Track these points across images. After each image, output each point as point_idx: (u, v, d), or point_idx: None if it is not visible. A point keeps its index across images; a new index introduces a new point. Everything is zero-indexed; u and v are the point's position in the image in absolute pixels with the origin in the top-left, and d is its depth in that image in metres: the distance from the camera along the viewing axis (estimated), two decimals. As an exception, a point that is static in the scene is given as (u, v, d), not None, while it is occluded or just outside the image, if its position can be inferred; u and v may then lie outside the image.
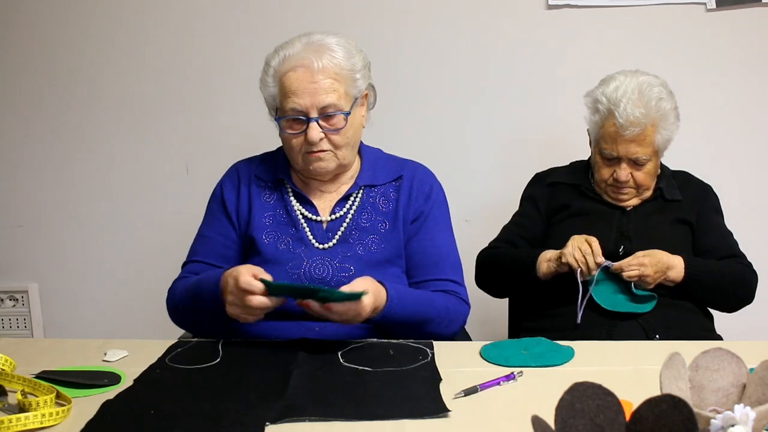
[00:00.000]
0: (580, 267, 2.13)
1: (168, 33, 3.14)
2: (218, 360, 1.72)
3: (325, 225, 2.01)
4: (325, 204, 2.04)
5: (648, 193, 2.34)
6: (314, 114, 1.90)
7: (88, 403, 1.47)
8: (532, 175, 2.55)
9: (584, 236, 2.17)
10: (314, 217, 2.01)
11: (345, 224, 2.00)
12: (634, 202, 2.34)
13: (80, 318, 3.35)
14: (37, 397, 1.45)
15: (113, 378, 1.61)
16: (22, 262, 3.36)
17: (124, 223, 3.28)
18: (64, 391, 1.50)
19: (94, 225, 3.29)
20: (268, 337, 1.86)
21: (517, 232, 2.42)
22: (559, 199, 2.41)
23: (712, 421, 1.01)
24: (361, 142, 2.11)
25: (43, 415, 1.38)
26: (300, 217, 2.01)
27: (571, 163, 2.53)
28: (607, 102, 2.24)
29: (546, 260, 2.23)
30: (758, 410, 1.04)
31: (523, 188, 2.54)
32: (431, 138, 3.11)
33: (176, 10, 3.12)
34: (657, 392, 1.04)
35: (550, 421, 1.03)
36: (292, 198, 2.04)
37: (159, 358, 1.74)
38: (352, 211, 2.02)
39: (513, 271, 2.31)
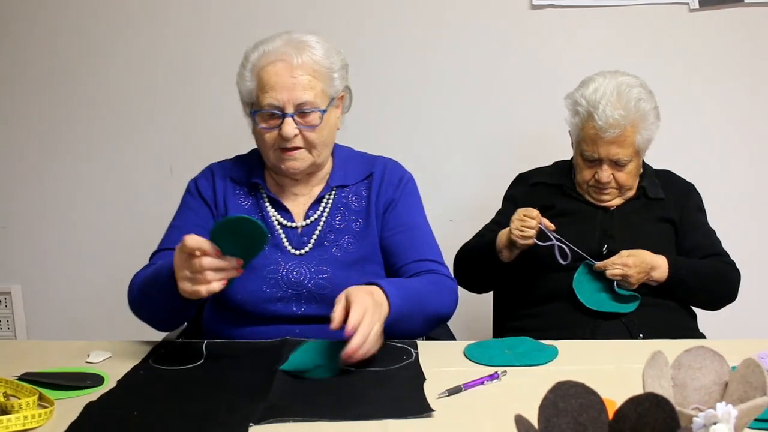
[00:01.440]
0: (532, 237, 2.17)
1: (151, 33, 3.12)
2: (202, 361, 1.72)
3: (300, 230, 2.00)
4: (298, 208, 2.03)
5: (631, 193, 2.35)
6: (290, 109, 1.89)
7: (71, 405, 1.46)
8: (516, 175, 2.55)
9: (519, 214, 2.19)
10: (289, 224, 2.00)
11: (319, 228, 1.99)
12: (617, 201, 2.35)
13: (63, 319, 3.33)
14: (19, 399, 1.44)
15: (96, 379, 1.60)
16: (4, 264, 3.34)
17: (107, 225, 3.27)
18: (47, 392, 1.49)
19: (77, 226, 3.28)
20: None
21: (496, 230, 2.41)
22: (541, 199, 2.40)
23: (695, 419, 1.02)
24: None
25: (26, 417, 1.37)
26: (276, 223, 2.00)
27: (554, 163, 2.53)
28: (586, 104, 2.24)
29: (504, 233, 2.24)
30: (740, 408, 1.04)
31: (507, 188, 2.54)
32: (415, 138, 3.11)
33: (159, 11, 3.11)
34: (640, 391, 1.04)
35: (534, 420, 1.03)
36: (267, 204, 2.02)
37: (142, 359, 1.73)
38: (325, 214, 2.01)
39: (479, 255, 2.33)
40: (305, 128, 1.91)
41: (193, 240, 1.57)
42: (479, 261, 2.34)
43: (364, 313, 1.60)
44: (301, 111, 1.89)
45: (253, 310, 1.91)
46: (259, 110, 1.92)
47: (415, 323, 1.82)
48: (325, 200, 2.03)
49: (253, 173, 2.05)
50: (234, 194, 2.04)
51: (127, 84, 3.16)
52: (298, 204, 2.03)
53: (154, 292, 1.78)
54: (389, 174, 2.06)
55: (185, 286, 1.62)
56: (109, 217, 3.26)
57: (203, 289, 1.60)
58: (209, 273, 1.59)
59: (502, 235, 2.25)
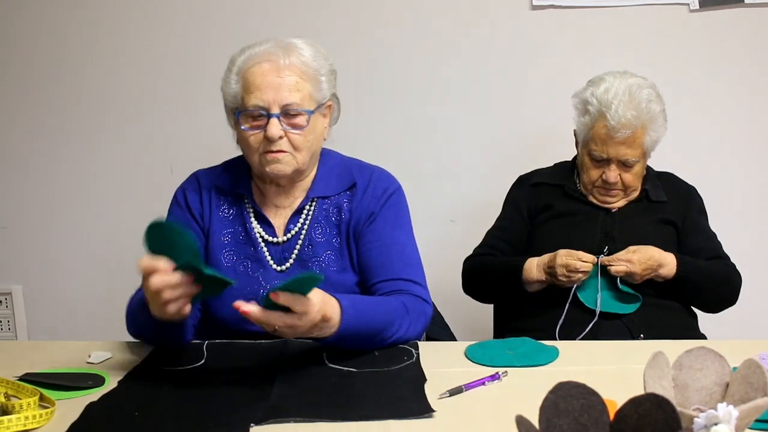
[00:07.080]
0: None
1: (152, 32, 3.12)
2: (203, 361, 1.72)
3: (281, 245, 1.94)
4: (279, 221, 1.95)
5: (635, 194, 2.34)
6: (276, 110, 1.81)
7: (72, 405, 1.46)
8: (517, 176, 2.54)
9: (564, 257, 2.17)
10: (271, 239, 1.93)
11: (300, 242, 1.92)
12: (621, 203, 2.34)
13: (64, 320, 3.33)
14: (20, 399, 1.44)
15: (97, 380, 1.60)
16: (5, 264, 3.33)
17: (108, 225, 3.26)
18: (48, 393, 1.49)
19: (78, 226, 3.28)
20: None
21: (500, 236, 2.42)
22: (542, 199, 2.41)
23: (696, 419, 1.02)
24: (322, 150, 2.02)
25: (27, 418, 1.37)
26: (259, 238, 1.93)
27: (555, 164, 2.53)
28: (597, 104, 2.23)
29: (536, 267, 2.22)
30: (741, 409, 1.04)
31: (509, 188, 2.53)
32: (417, 139, 3.10)
33: (161, 10, 3.11)
34: (641, 391, 1.04)
35: (535, 420, 1.03)
36: (251, 216, 1.96)
37: (143, 360, 1.73)
38: (305, 227, 1.94)
39: (500, 280, 2.31)
40: (291, 130, 1.84)
41: (146, 262, 1.53)
42: (499, 285, 2.33)
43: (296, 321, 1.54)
44: (286, 112, 1.83)
45: (236, 328, 1.84)
46: (243, 110, 1.86)
47: (369, 342, 1.74)
48: (305, 212, 1.96)
49: (239, 183, 1.99)
50: (218, 205, 1.98)
51: (128, 84, 3.16)
52: (279, 216, 1.96)
53: (149, 323, 1.71)
54: (373, 185, 1.97)
55: (153, 310, 1.59)
56: (110, 217, 3.26)
57: (173, 310, 1.54)
58: (166, 292, 1.52)
59: (533, 269, 2.23)
